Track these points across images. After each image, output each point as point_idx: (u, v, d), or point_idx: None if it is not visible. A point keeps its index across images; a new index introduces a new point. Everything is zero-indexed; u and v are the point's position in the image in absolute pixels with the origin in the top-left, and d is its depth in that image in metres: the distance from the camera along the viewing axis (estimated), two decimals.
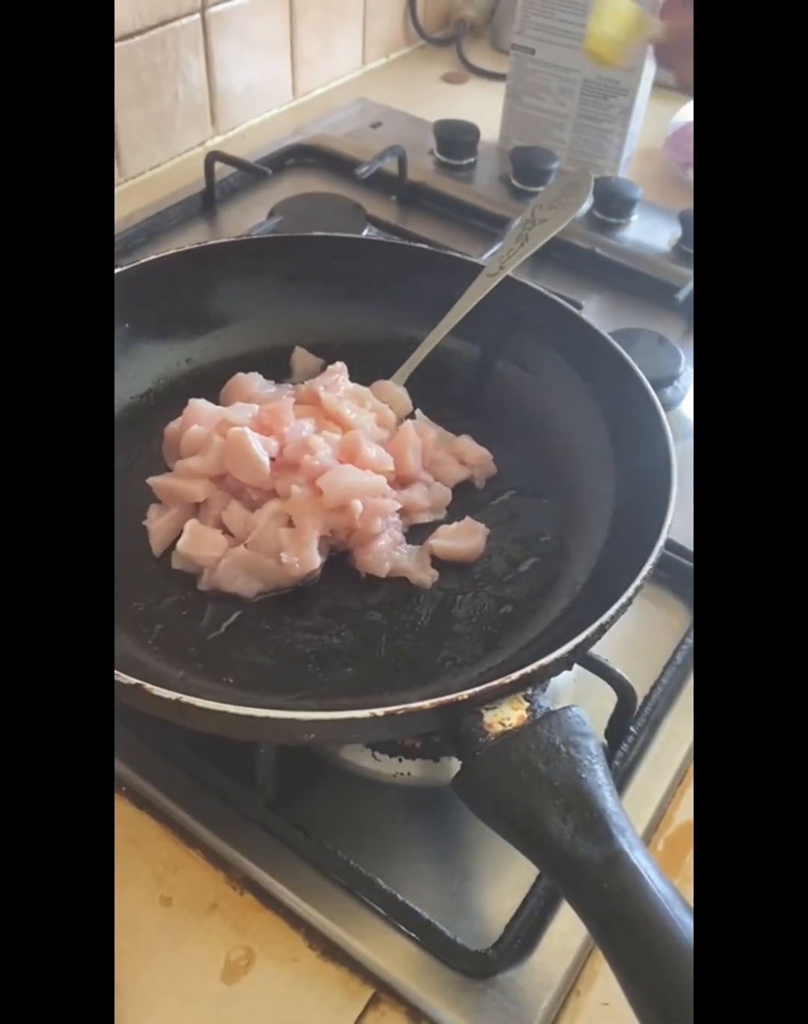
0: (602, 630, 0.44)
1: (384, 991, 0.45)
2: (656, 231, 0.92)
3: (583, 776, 0.38)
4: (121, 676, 0.40)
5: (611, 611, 0.44)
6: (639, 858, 0.36)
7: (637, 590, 0.46)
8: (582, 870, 0.36)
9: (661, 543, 0.47)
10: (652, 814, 0.52)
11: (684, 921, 0.34)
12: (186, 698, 0.39)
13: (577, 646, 0.43)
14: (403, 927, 0.46)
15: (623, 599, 0.44)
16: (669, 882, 0.36)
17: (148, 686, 0.40)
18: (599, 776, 0.38)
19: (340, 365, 0.60)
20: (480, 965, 0.45)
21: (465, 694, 0.40)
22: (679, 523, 0.59)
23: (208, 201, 0.91)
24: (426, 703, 0.40)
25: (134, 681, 0.40)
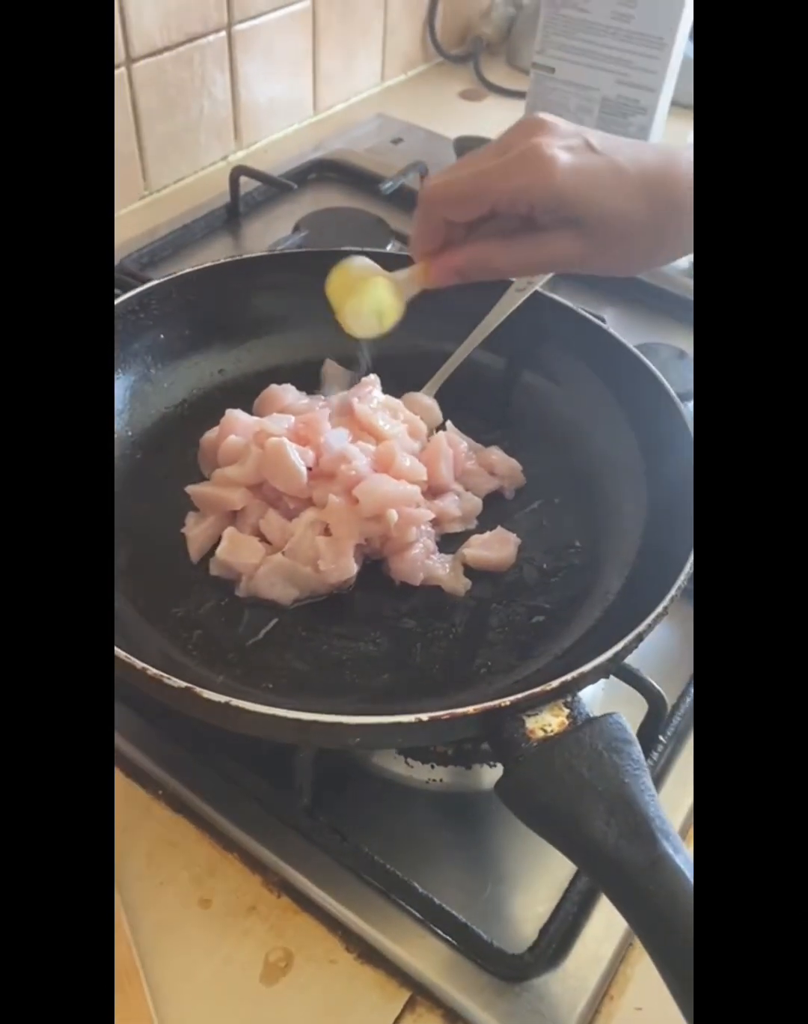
0: (639, 639, 0.45)
1: (421, 993, 0.46)
2: None
3: (626, 781, 0.39)
4: (171, 680, 0.41)
5: (649, 620, 0.45)
6: (682, 862, 0.36)
7: (673, 600, 0.46)
8: (626, 873, 0.37)
9: (693, 553, 0.48)
10: (682, 822, 0.53)
11: None
12: (236, 702, 0.40)
13: (616, 654, 0.44)
14: (439, 930, 0.47)
15: (659, 608, 0.45)
16: None
17: (198, 690, 0.40)
18: (642, 781, 0.39)
19: (373, 377, 0.61)
20: (516, 969, 0.45)
21: (507, 700, 0.41)
22: None
23: (232, 214, 0.92)
24: (470, 709, 0.41)
25: (183, 685, 0.41)
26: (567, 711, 0.42)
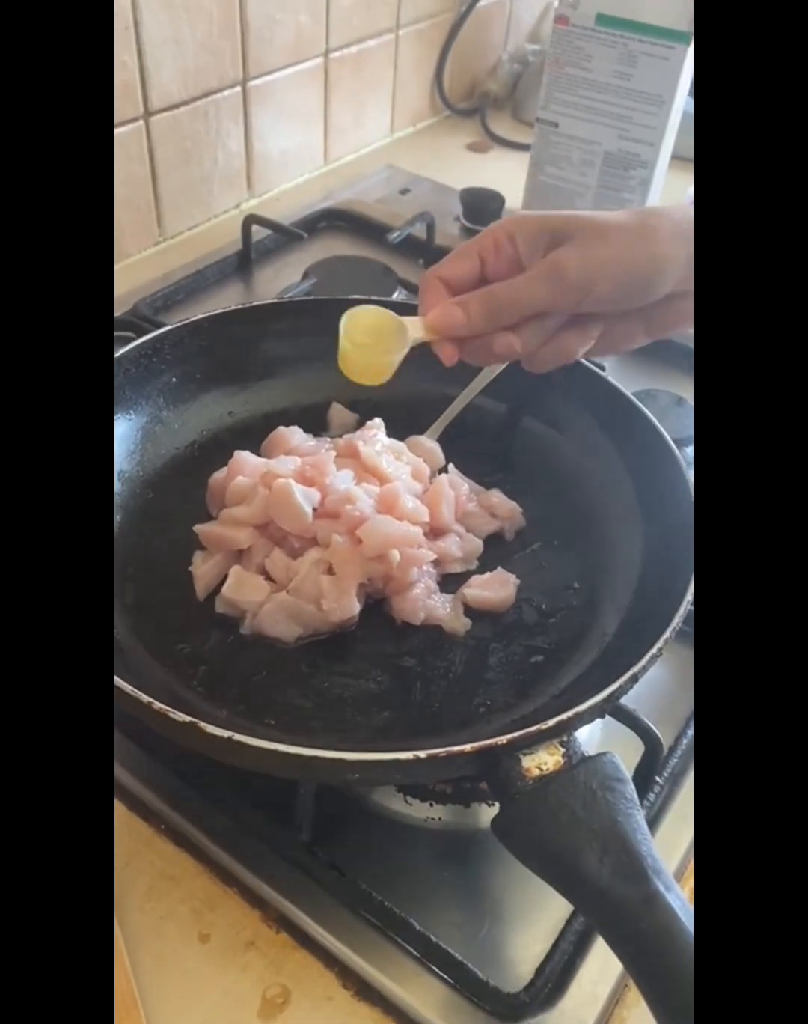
0: (635, 679, 0.46)
1: None
2: None
3: (619, 819, 0.40)
4: (175, 714, 0.42)
5: (643, 661, 0.46)
6: (675, 899, 0.37)
7: (667, 641, 0.47)
8: (620, 910, 0.38)
9: (689, 595, 0.49)
10: (678, 863, 0.53)
11: None
12: (238, 737, 0.41)
13: (611, 694, 0.45)
14: (436, 968, 0.47)
15: (654, 649, 0.46)
16: None
17: (202, 724, 0.41)
18: (635, 820, 0.40)
19: (378, 421, 0.62)
20: (513, 1008, 0.46)
21: (504, 739, 0.42)
22: None
23: (244, 261, 0.95)
24: (467, 746, 0.42)
25: (188, 719, 0.42)
26: (562, 750, 0.43)
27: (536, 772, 0.42)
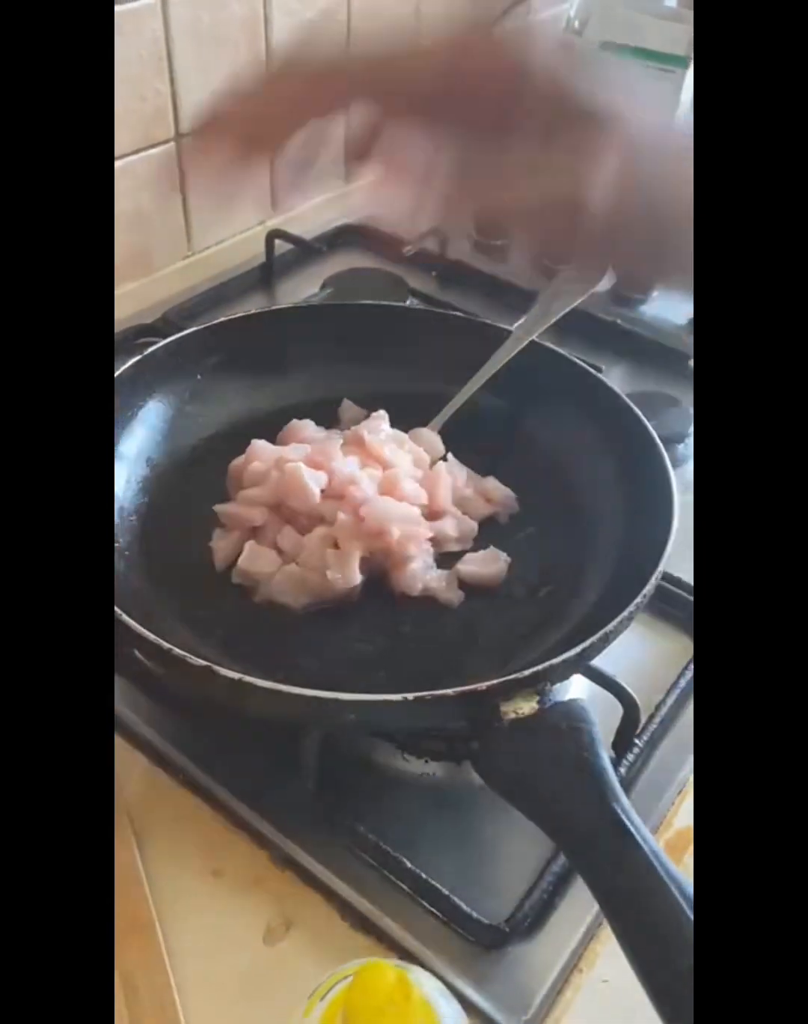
0: (606, 638, 0.50)
1: (407, 958, 0.50)
2: (675, 307, 1.00)
3: (583, 754, 0.44)
4: (190, 658, 0.47)
5: (613, 623, 0.50)
6: (628, 821, 0.42)
7: (638, 607, 0.52)
8: (580, 831, 0.42)
9: (660, 568, 0.54)
10: (653, 820, 0.57)
11: (667, 868, 0.40)
12: (248, 678, 0.46)
13: (583, 650, 0.49)
14: (425, 902, 0.52)
15: (624, 613, 0.51)
16: (653, 838, 0.42)
17: (216, 668, 0.47)
18: (597, 754, 0.44)
19: (382, 412, 0.68)
20: (494, 937, 0.50)
21: (484, 685, 0.47)
22: (685, 564, 0.66)
23: (267, 274, 1.01)
24: (450, 691, 0.47)
25: (203, 663, 0.47)
26: (538, 698, 0.48)
27: (512, 715, 0.47)
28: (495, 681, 0.47)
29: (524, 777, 0.45)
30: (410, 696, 0.46)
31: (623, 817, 0.42)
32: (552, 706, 0.47)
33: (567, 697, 0.59)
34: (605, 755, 0.45)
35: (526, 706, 0.47)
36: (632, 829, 0.41)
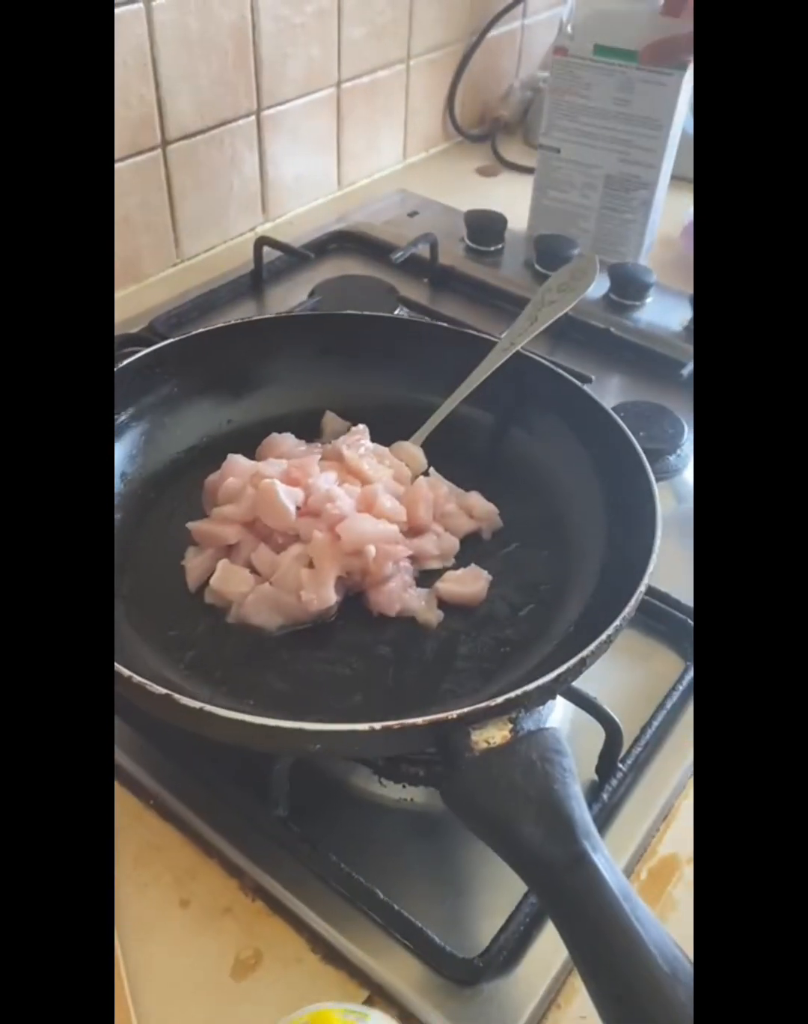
0: (583, 663, 0.49)
1: (378, 993, 0.49)
2: (669, 313, 0.98)
3: (555, 787, 0.43)
4: (152, 686, 0.46)
5: (591, 647, 0.49)
6: (600, 859, 0.40)
7: (617, 630, 0.50)
8: (548, 869, 0.41)
9: (641, 588, 0.52)
10: (637, 845, 0.56)
11: (640, 913, 0.38)
12: (208, 707, 0.45)
13: (559, 676, 0.48)
14: (398, 935, 0.50)
15: (602, 637, 0.49)
16: (626, 881, 0.40)
17: (176, 696, 0.45)
18: (569, 787, 0.43)
19: (362, 427, 0.66)
20: (468, 973, 0.49)
21: (455, 713, 0.45)
22: (674, 579, 0.64)
23: (256, 281, 1.00)
24: (419, 720, 0.45)
25: (164, 691, 0.46)
26: (511, 726, 0.46)
27: (483, 745, 0.45)
28: (466, 709, 0.45)
29: (491, 811, 0.43)
30: (377, 725, 0.44)
31: (592, 856, 0.40)
32: (525, 736, 0.45)
33: (548, 722, 0.58)
34: (577, 789, 0.43)
35: (498, 735, 0.46)
36: (602, 870, 0.40)
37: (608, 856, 0.41)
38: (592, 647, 0.49)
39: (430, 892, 0.53)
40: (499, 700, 0.46)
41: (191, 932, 0.51)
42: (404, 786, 0.57)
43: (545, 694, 0.48)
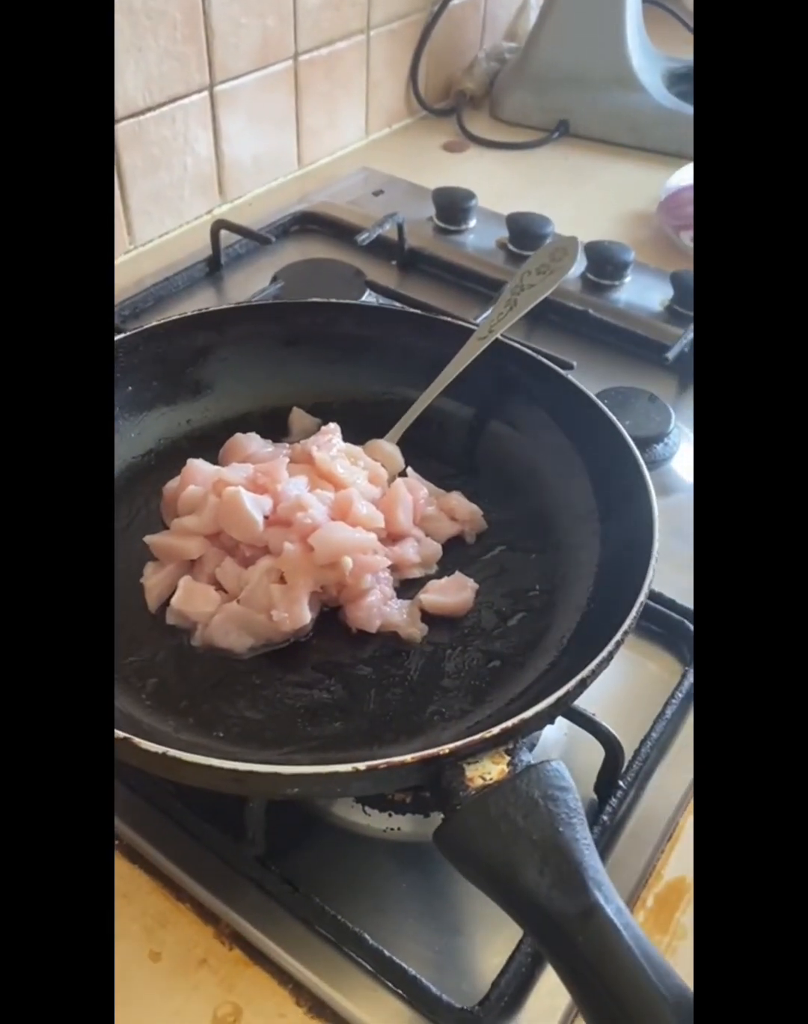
0: (583, 685, 0.45)
1: None
2: (648, 292, 0.94)
3: (561, 830, 0.39)
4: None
5: (591, 666, 0.45)
6: (614, 911, 0.36)
7: (617, 645, 0.46)
8: (558, 923, 0.37)
9: (642, 599, 0.48)
10: (641, 869, 0.52)
11: (660, 973, 0.34)
12: (173, 752, 0.40)
13: (557, 701, 0.43)
14: (390, 983, 0.46)
15: (602, 655, 0.45)
16: (644, 935, 0.36)
17: (136, 740, 0.41)
18: (577, 830, 0.39)
19: (333, 426, 0.62)
20: (466, 1022, 0.45)
21: (446, 748, 0.41)
22: (667, 577, 0.60)
23: (214, 267, 0.94)
24: (408, 758, 0.41)
25: (123, 735, 0.41)
26: (508, 758, 0.42)
27: (479, 781, 0.41)
28: (458, 743, 0.41)
29: (492, 857, 0.39)
30: (361, 766, 0.40)
31: (605, 909, 0.36)
32: (524, 770, 0.41)
33: (539, 739, 0.54)
34: (586, 831, 0.39)
35: (495, 769, 0.42)
36: (617, 925, 0.36)
37: (621, 905, 0.37)
38: (592, 665, 0.45)
39: (421, 933, 0.49)
40: (494, 731, 0.41)
41: (163, 988, 0.47)
42: (390, 814, 0.53)
43: (543, 720, 0.44)
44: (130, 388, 0.64)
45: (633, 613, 0.47)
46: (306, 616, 0.52)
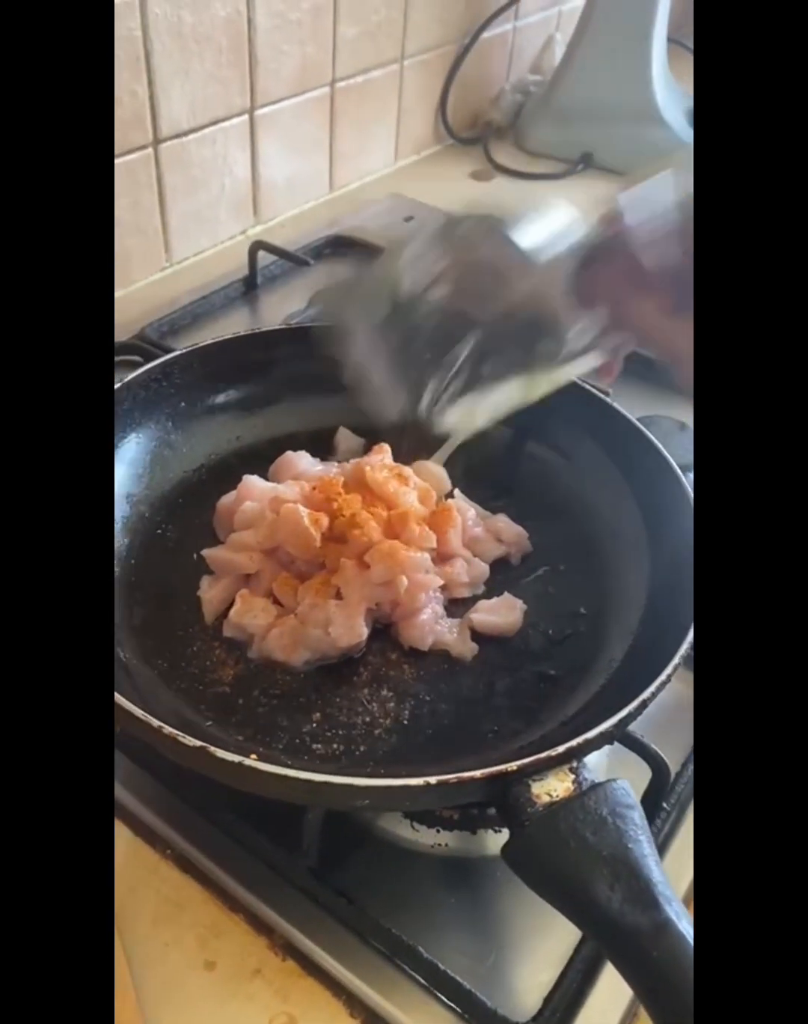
0: (644, 705, 0.46)
1: None
2: None
3: (630, 846, 0.40)
4: (185, 738, 0.42)
5: (652, 688, 0.46)
6: (686, 927, 0.37)
7: (676, 667, 0.48)
8: (631, 938, 0.37)
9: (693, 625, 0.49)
10: (685, 888, 0.53)
11: None
12: (249, 762, 0.41)
13: (620, 721, 0.45)
14: (444, 997, 0.47)
15: (663, 676, 0.46)
16: None
17: (213, 749, 0.41)
18: (644, 846, 0.40)
19: (384, 446, 0.63)
20: None
21: (514, 765, 0.42)
22: None
23: (250, 287, 0.96)
24: (477, 773, 0.42)
25: (199, 744, 0.42)
26: (573, 776, 0.43)
27: (546, 799, 0.42)
28: (526, 760, 0.42)
29: (562, 873, 0.40)
30: (433, 780, 0.41)
31: (678, 924, 0.37)
32: (591, 788, 0.42)
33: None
34: (652, 846, 0.40)
35: (560, 787, 0.43)
36: (688, 937, 0.36)
37: (692, 921, 0.38)
38: (652, 688, 0.46)
39: (473, 946, 0.50)
40: (561, 749, 0.42)
41: (219, 997, 0.47)
42: (437, 830, 0.53)
43: (605, 740, 0.45)
44: (182, 403, 0.65)
45: (689, 637, 0.49)
46: (363, 632, 0.53)
